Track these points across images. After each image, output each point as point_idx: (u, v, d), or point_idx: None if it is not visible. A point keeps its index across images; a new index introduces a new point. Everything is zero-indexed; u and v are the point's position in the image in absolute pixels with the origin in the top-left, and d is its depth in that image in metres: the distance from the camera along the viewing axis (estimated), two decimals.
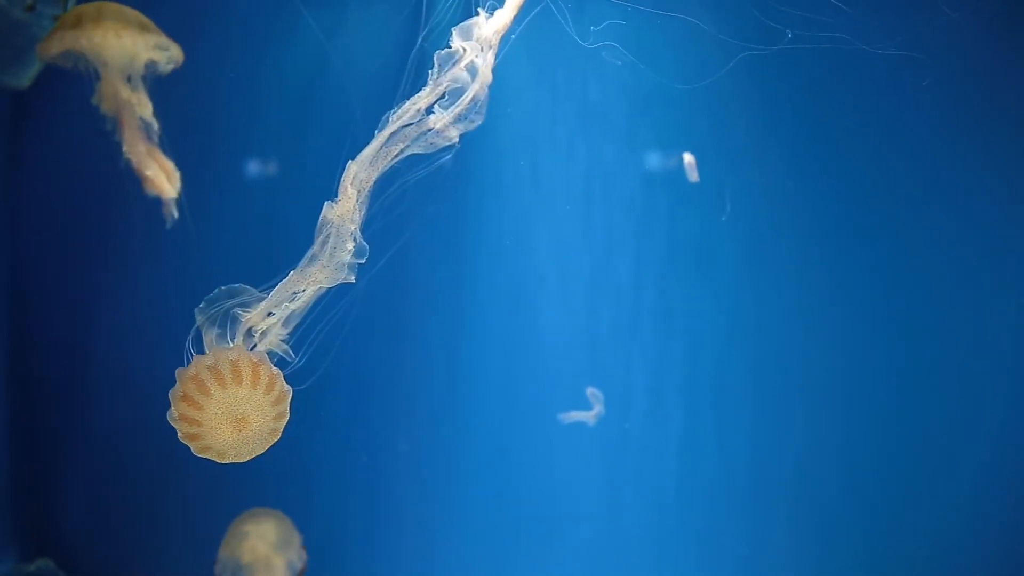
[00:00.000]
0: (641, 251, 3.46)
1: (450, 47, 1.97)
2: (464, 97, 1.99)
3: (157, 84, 2.91)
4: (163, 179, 2.90)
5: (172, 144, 3.20)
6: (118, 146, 3.15)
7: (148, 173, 2.89)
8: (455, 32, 1.98)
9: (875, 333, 3.31)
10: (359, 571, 3.37)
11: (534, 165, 3.46)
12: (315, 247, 1.97)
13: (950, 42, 3.03)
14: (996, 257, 3.20)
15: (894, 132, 3.23)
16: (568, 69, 3.39)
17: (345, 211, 1.96)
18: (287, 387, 1.92)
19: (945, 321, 3.25)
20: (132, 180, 3.33)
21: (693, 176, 3.17)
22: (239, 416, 1.86)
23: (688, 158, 3.19)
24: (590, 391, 3.40)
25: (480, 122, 2.06)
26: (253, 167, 3.37)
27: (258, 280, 2.05)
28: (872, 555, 3.33)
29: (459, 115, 2.02)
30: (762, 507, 3.40)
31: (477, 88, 1.99)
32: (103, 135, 3.10)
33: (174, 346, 3.36)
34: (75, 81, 3.02)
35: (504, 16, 2.01)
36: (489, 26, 2.01)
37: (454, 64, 1.97)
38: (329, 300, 3.17)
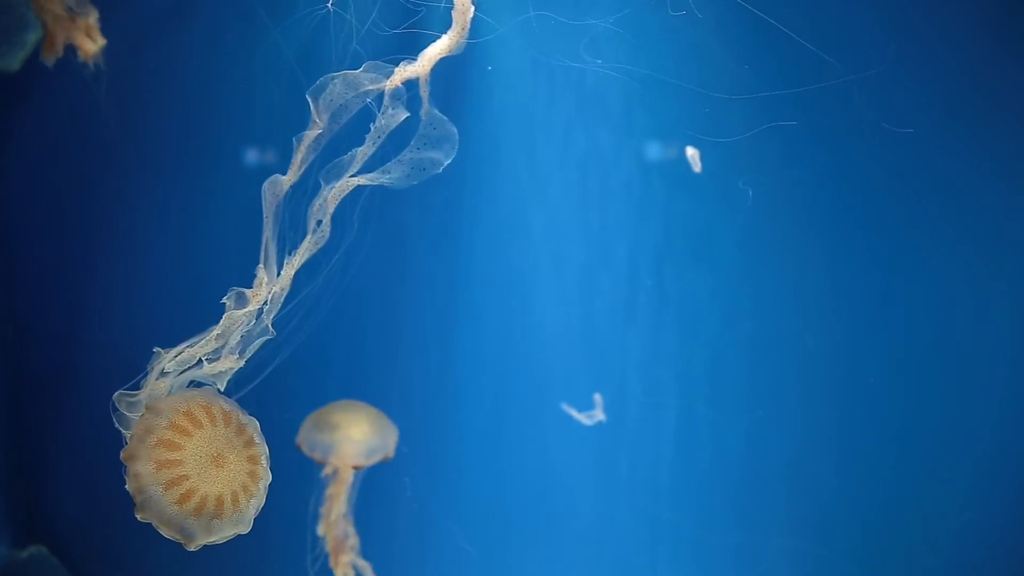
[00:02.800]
0: (637, 238, 3.44)
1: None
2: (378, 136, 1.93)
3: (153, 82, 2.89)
4: (53, 40, 2.78)
5: (168, 135, 3.19)
6: (110, 124, 3.12)
7: (54, 32, 2.77)
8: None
9: (873, 321, 3.30)
10: None
11: (530, 151, 3.43)
12: (220, 330, 1.95)
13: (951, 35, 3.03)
14: (996, 247, 3.18)
15: (894, 119, 3.21)
16: (565, 55, 3.36)
17: (257, 303, 1.95)
18: (247, 419, 1.91)
19: (944, 309, 3.23)
20: (125, 162, 3.32)
21: (697, 167, 3.17)
22: (215, 455, 1.84)
23: (691, 151, 3.19)
24: (597, 397, 3.39)
25: (443, 159, 1.98)
26: (246, 159, 3.33)
27: (246, 270, 2.03)
28: (870, 544, 3.33)
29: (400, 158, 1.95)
30: (758, 495, 3.40)
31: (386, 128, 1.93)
32: (97, 116, 3.07)
33: (168, 331, 3.35)
34: (68, 63, 2.99)
35: (417, 68, 1.96)
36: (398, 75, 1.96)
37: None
38: (322, 287, 3.16)
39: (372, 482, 3.47)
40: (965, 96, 3.13)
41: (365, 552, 3.20)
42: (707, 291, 3.40)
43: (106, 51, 2.95)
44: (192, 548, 1.84)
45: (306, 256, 1.96)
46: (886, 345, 3.30)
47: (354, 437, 2.91)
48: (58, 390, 3.44)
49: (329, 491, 2.92)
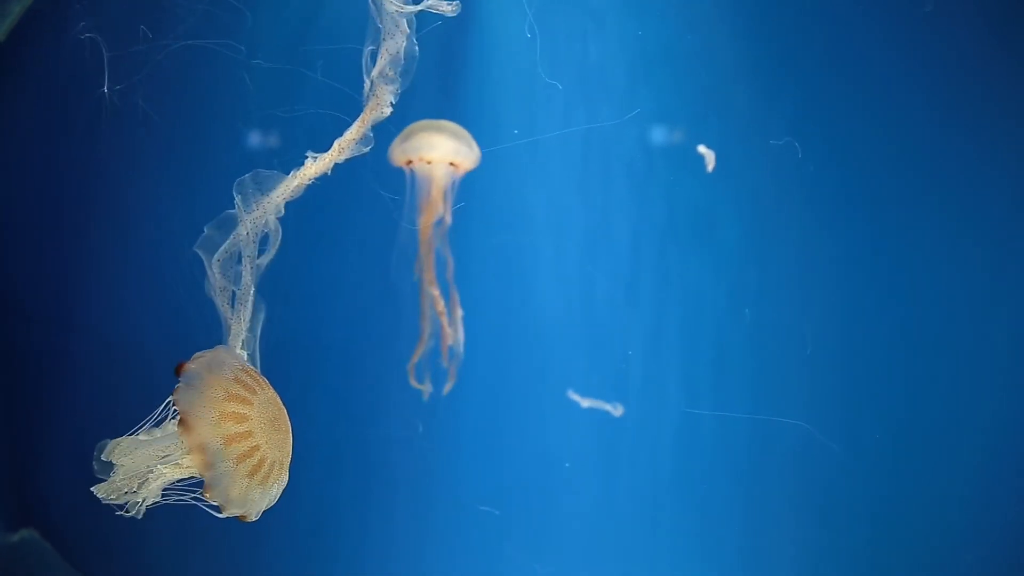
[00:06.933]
0: (640, 218, 3.40)
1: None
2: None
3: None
4: None
5: (165, 113, 3.12)
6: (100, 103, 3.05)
7: None
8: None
9: (877, 305, 3.27)
10: (351, 548, 3.34)
11: (530, 129, 3.37)
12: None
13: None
14: (1002, 233, 3.15)
15: (900, 102, 3.18)
16: (567, 28, 3.30)
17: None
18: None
19: (949, 295, 3.20)
20: (121, 140, 3.25)
21: (710, 166, 3.14)
22: (272, 417, 1.78)
23: (703, 149, 3.15)
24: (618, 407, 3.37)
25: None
26: (244, 141, 3.27)
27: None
28: (873, 534, 3.31)
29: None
30: (761, 481, 3.38)
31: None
32: (91, 90, 3.00)
33: (159, 313, 3.30)
34: (56, 34, 2.92)
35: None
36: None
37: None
38: (318, 274, 3.11)
39: (369, 473, 3.45)
40: (972, 88, 3.09)
41: (363, 541, 3.18)
42: (711, 273, 3.37)
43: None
44: (253, 519, 1.77)
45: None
46: (891, 328, 3.27)
47: (442, 134, 3.00)
48: (50, 374, 3.39)
49: (425, 197, 2.99)
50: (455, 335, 3.11)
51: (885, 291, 3.28)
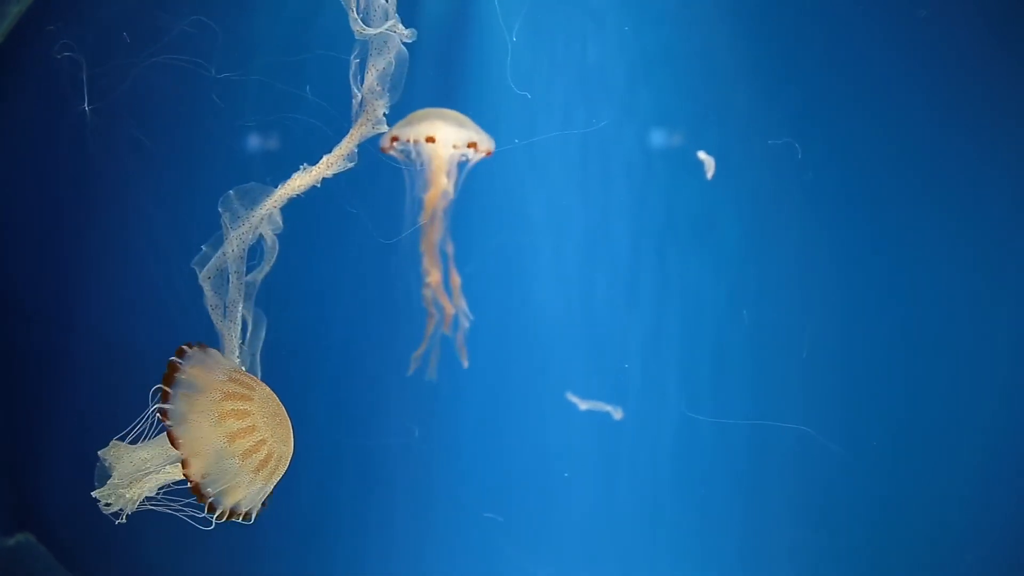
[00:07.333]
0: (639, 219, 3.39)
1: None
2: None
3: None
4: None
5: (161, 118, 3.12)
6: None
7: None
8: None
9: (876, 306, 3.27)
10: (350, 545, 3.32)
11: (530, 131, 3.36)
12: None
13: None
14: (997, 233, 3.15)
15: (900, 102, 3.17)
16: (567, 30, 3.29)
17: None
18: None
19: (948, 295, 3.20)
20: (119, 141, 3.24)
21: (709, 173, 3.13)
22: (273, 412, 1.77)
23: (703, 155, 3.14)
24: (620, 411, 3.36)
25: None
26: (242, 142, 3.25)
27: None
28: (873, 534, 3.31)
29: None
30: (760, 482, 3.37)
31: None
32: (84, 92, 2.98)
33: (158, 315, 3.28)
34: (55, 35, 2.91)
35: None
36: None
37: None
38: (319, 271, 3.09)
39: (368, 474, 3.43)
40: (972, 88, 3.09)
41: (362, 543, 3.16)
42: (710, 274, 3.36)
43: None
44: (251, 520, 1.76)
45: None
46: (891, 329, 3.27)
47: (446, 120, 2.97)
48: (49, 375, 3.37)
49: (429, 176, 2.97)
50: (458, 306, 3.09)
51: (885, 291, 3.27)
